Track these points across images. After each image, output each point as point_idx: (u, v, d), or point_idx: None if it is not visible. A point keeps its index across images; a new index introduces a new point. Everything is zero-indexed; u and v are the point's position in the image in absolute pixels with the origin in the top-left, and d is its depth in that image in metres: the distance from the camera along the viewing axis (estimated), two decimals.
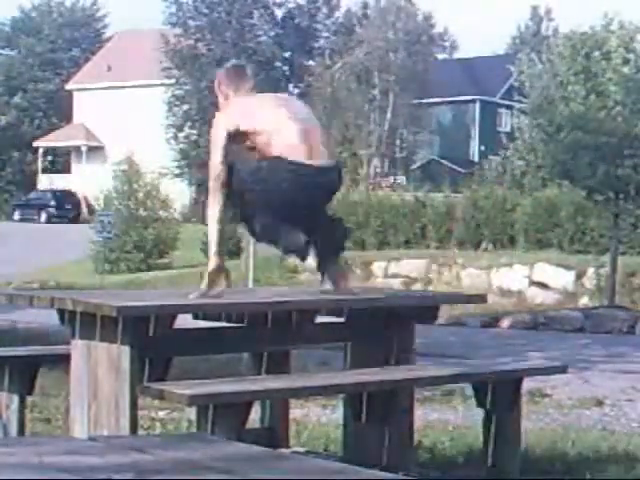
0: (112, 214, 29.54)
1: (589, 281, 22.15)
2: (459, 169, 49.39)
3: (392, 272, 25.41)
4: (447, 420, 8.13)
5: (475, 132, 55.95)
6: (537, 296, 22.55)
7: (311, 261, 5.31)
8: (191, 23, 49.95)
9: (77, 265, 32.45)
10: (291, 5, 51.49)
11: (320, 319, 5.68)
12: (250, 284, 19.42)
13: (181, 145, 49.20)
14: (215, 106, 5.57)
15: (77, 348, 5.09)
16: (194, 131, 48.51)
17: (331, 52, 49.63)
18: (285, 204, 5.18)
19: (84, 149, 55.11)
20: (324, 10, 52.09)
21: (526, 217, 26.02)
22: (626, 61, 20.72)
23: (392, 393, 5.36)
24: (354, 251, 27.88)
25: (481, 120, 55.72)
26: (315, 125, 5.49)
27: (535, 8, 70.14)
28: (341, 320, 5.81)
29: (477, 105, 56.14)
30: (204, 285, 5.22)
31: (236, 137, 5.28)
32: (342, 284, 5.52)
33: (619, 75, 20.55)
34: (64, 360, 5.33)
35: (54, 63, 62.72)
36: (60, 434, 6.45)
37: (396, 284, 24.34)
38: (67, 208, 50.52)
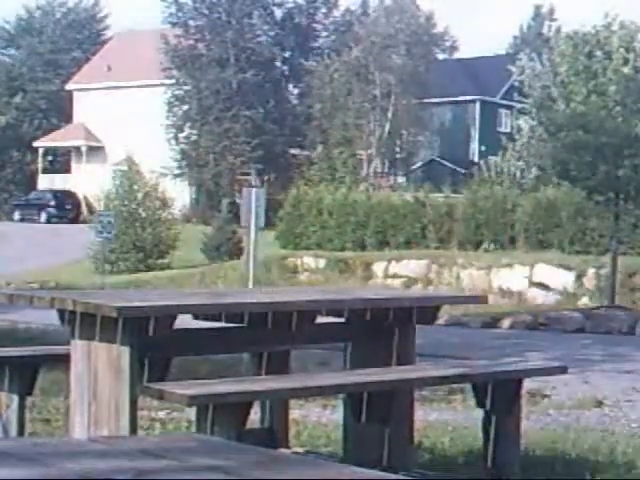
0: (112, 214, 29.50)
1: (589, 281, 22.14)
2: (459, 169, 49.41)
3: (392, 272, 25.41)
4: (447, 420, 8.12)
5: (475, 132, 55.94)
6: (537, 296, 22.54)
7: None
8: (191, 23, 49.97)
9: (77, 265, 32.44)
10: (290, 5, 51.56)
11: (320, 319, 5.68)
12: (250, 284, 19.40)
13: (181, 145, 49.16)
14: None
15: (77, 348, 5.09)
16: (194, 131, 48.46)
17: (330, 51, 49.63)
18: None
19: (84, 149, 55.09)
20: (323, 10, 52.13)
21: (526, 217, 25.99)
22: (626, 61, 20.72)
23: (392, 393, 5.36)
24: (354, 251, 27.92)
25: (481, 120, 55.70)
26: None
27: (538, 7, 70.12)
28: (341, 320, 5.81)
29: (477, 105, 56.13)
30: None
31: None
32: None
33: (619, 75, 20.54)
34: (64, 360, 5.33)
35: (55, 64, 62.68)
36: (60, 434, 6.45)
37: (396, 284, 24.34)
38: (67, 208, 50.50)
